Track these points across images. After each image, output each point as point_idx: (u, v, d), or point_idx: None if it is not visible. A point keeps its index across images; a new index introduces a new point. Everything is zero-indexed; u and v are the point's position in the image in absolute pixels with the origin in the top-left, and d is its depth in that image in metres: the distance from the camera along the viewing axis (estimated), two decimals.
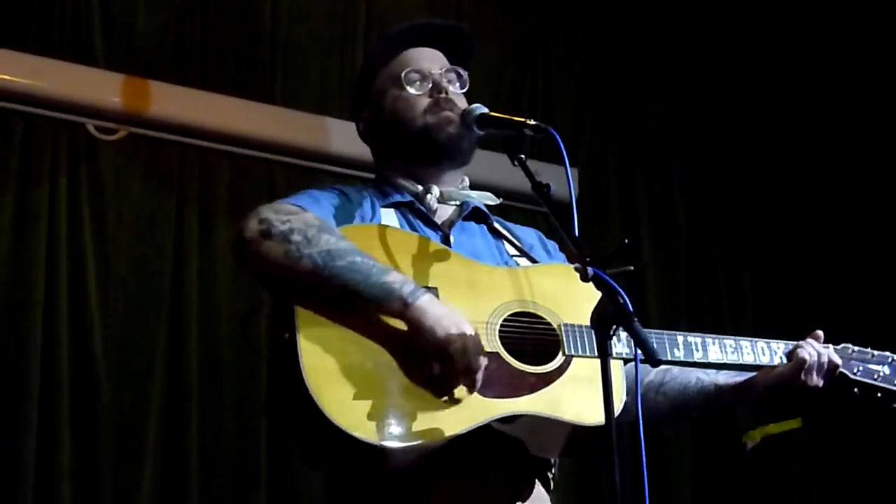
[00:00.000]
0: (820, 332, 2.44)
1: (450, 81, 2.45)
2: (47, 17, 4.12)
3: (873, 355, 2.48)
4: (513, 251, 2.42)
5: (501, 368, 2.12)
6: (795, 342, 2.41)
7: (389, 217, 2.34)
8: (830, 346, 2.43)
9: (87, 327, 3.92)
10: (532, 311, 2.22)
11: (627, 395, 2.18)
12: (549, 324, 2.21)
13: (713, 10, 5.31)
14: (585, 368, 2.17)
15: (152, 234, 4.16)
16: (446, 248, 2.27)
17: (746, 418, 4.66)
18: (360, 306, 2.08)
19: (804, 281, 5.45)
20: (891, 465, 4.10)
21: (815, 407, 4.20)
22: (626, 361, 2.24)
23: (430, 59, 2.47)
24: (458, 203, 2.43)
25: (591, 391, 2.05)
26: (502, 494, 2.16)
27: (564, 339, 2.19)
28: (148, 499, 3.90)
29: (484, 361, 2.06)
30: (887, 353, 2.49)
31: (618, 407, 1.97)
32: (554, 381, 2.15)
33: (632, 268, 1.96)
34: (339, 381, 2.02)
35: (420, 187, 2.41)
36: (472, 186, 2.49)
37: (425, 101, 2.41)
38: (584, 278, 1.94)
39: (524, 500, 2.19)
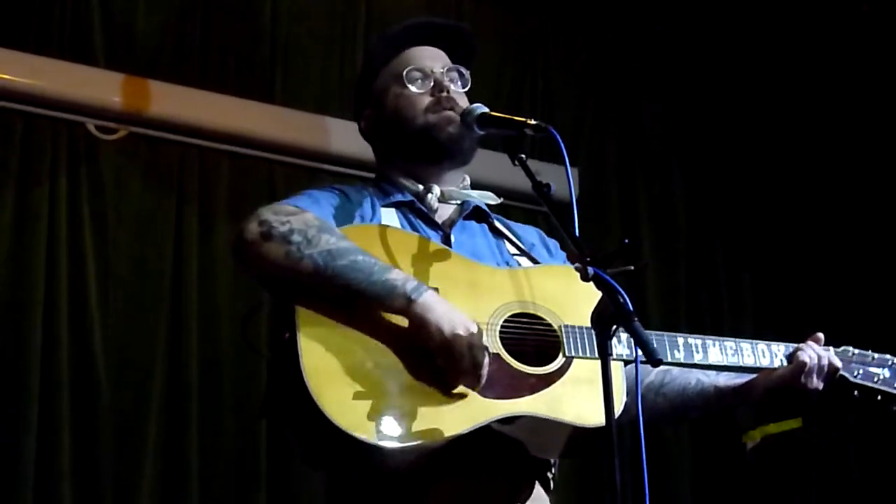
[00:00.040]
0: (820, 335, 2.43)
1: (451, 80, 2.44)
2: (47, 17, 4.12)
3: (873, 358, 2.47)
4: (513, 250, 2.42)
5: (502, 369, 2.12)
6: (796, 345, 2.40)
7: (390, 216, 2.34)
8: (831, 348, 2.42)
9: (87, 327, 3.92)
10: (533, 312, 2.22)
11: (627, 395, 2.18)
12: (549, 325, 2.21)
13: (713, 9, 5.31)
14: (586, 370, 2.17)
15: (152, 234, 4.16)
16: (447, 248, 2.27)
17: (746, 418, 4.66)
18: (362, 304, 2.08)
19: (805, 281, 5.45)
20: (891, 465, 4.10)
21: (815, 409, 4.19)
22: (626, 363, 2.24)
23: (433, 58, 2.47)
24: (458, 202, 2.43)
25: (592, 392, 2.05)
26: (501, 495, 2.16)
27: (565, 340, 2.19)
28: (148, 499, 3.90)
29: (488, 357, 2.07)
30: (888, 356, 2.49)
31: (618, 408, 1.97)
32: (554, 382, 2.15)
33: (632, 267, 1.97)
34: (339, 381, 2.02)
35: (421, 186, 2.41)
36: (473, 186, 2.49)
37: (426, 100, 2.40)
38: (585, 278, 1.94)
39: (523, 501, 2.19)
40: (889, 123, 5.31)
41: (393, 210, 2.36)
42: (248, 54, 4.51)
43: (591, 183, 5.09)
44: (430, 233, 2.33)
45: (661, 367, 2.37)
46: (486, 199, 2.44)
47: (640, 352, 1.86)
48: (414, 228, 2.33)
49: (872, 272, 5.30)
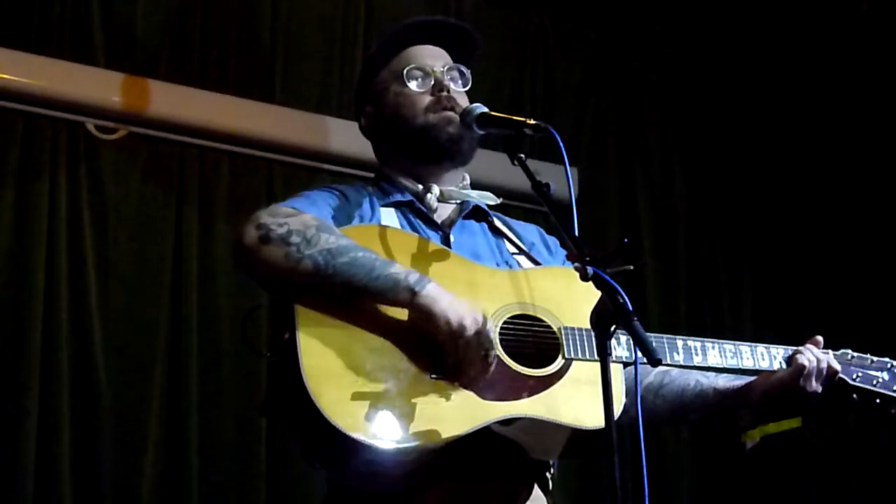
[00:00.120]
0: (819, 338, 2.43)
1: (452, 79, 2.45)
2: (47, 17, 4.11)
3: (872, 361, 2.47)
4: (513, 250, 2.42)
5: (501, 371, 2.12)
6: (795, 348, 2.40)
7: (389, 216, 2.34)
8: (830, 351, 2.42)
9: (87, 327, 3.92)
10: (532, 313, 2.22)
11: (626, 396, 2.18)
12: (549, 326, 2.21)
13: (713, 8, 5.31)
14: (585, 371, 2.17)
15: (152, 233, 4.15)
16: (446, 248, 2.27)
17: (746, 418, 4.66)
18: (365, 300, 2.09)
19: (805, 282, 5.45)
20: (891, 465, 4.10)
21: (814, 412, 4.19)
22: (625, 365, 2.24)
23: (433, 57, 2.47)
24: (458, 202, 2.43)
25: (591, 394, 2.05)
26: (500, 496, 2.17)
27: (564, 341, 2.19)
28: (148, 498, 3.90)
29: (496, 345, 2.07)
30: (886, 359, 2.49)
31: (617, 410, 1.97)
32: (553, 383, 2.15)
33: (631, 267, 1.96)
34: (338, 381, 2.02)
35: (420, 186, 2.41)
36: (473, 186, 2.49)
37: (426, 99, 2.41)
38: (584, 277, 1.94)
39: (522, 503, 2.19)
40: (889, 123, 5.31)
41: (392, 210, 2.36)
42: (248, 54, 4.50)
43: (590, 183, 5.08)
44: (430, 233, 2.33)
45: (660, 369, 2.38)
46: (486, 199, 2.44)
47: (639, 352, 1.86)
48: (413, 228, 2.33)
49: (873, 274, 5.29)
